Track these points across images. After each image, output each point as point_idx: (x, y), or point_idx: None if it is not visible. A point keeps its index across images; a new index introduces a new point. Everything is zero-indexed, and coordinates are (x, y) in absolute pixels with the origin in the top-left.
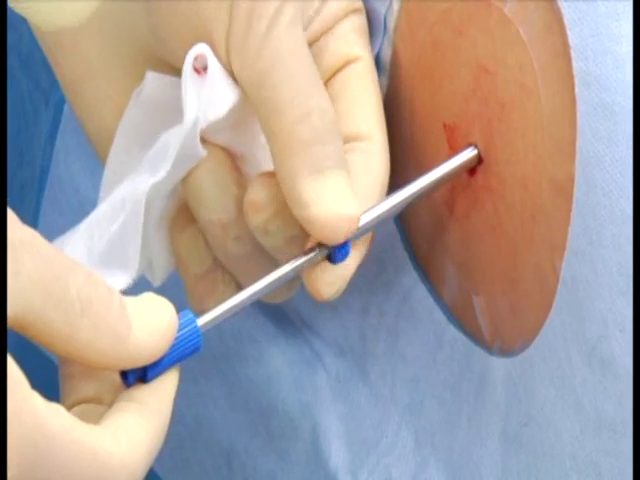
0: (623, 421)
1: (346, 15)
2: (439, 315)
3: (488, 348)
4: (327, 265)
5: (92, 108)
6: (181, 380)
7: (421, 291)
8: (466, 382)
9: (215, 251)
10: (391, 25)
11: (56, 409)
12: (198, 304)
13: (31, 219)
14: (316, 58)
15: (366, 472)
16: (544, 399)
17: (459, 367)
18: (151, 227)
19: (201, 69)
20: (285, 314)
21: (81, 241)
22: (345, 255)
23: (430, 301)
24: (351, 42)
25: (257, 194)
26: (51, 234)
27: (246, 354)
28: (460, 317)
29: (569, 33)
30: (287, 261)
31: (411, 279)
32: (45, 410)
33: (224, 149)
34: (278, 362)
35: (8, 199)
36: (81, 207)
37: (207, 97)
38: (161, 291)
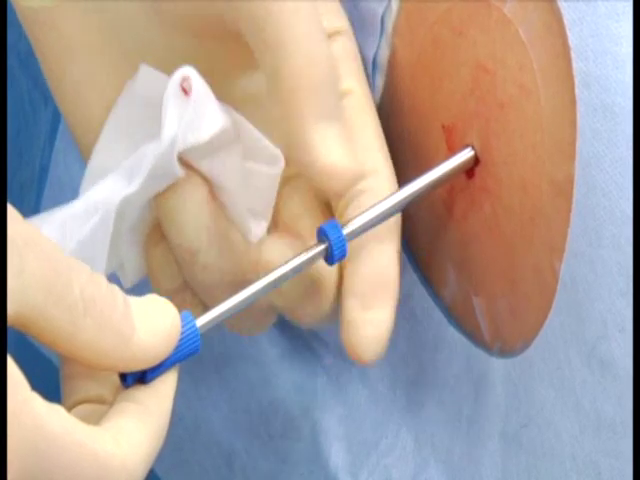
0: (623, 422)
1: (332, 36)
2: (439, 316)
3: (488, 349)
4: (364, 330)
5: (73, 95)
6: (181, 382)
7: (421, 292)
8: (466, 383)
9: (184, 274)
10: (389, 25)
11: (56, 410)
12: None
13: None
14: None
15: (366, 473)
16: (544, 400)
17: (459, 368)
18: (125, 230)
19: (188, 90)
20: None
21: (55, 231)
22: (342, 254)
23: (430, 302)
24: (342, 73)
25: (272, 254)
26: None
27: (246, 355)
28: (460, 318)
29: (569, 33)
30: (286, 262)
31: (410, 280)
32: (45, 411)
33: (202, 177)
34: (278, 363)
35: (8, 199)
36: None
37: (190, 119)
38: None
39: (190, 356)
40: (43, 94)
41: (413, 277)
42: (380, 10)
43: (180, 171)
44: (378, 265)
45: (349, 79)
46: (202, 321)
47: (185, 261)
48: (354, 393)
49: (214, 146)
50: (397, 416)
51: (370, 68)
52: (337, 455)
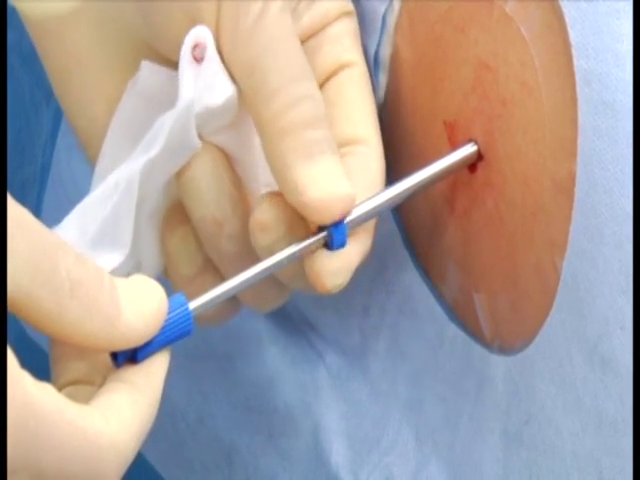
0: (624, 419)
1: (339, 17)
2: (440, 313)
3: (488, 346)
4: (329, 254)
5: (81, 101)
6: (183, 379)
7: (422, 289)
8: (467, 380)
9: (207, 249)
10: (391, 24)
11: (46, 389)
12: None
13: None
14: (310, 58)
15: (367, 470)
16: (545, 397)
17: (460, 365)
18: (142, 226)
19: (199, 58)
20: (286, 313)
21: (73, 224)
22: (342, 242)
23: (431, 299)
24: (346, 46)
25: (265, 214)
26: None
27: (248, 353)
28: (461, 315)
29: (570, 31)
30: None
31: (412, 277)
32: (35, 390)
33: (220, 149)
34: (279, 361)
35: (9, 197)
36: None
37: (203, 84)
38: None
39: (181, 337)
40: (45, 93)
41: (414, 273)
42: (382, 9)
43: (198, 142)
44: None
45: (352, 52)
46: (195, 304)
47: (210, 234)
48: (355, 390)
49: (226, 116)
50: (398, 413)
51: (372, 66)
52: (338, 452)
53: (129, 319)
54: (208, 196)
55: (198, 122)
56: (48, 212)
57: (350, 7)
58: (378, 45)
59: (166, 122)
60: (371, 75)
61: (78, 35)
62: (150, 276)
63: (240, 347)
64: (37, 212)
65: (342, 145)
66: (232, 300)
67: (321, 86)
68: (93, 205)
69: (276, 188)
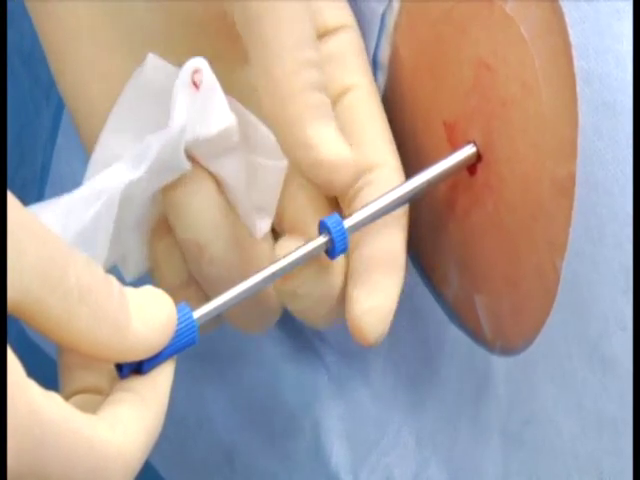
0: (624, 420)
1: (337, 29)
2: (440, 314)
3: (489, 347)
4: (367, 306)
5: (77, 79)
6: (183, 380)
7: (422, 290)
8: (467, 381)
9: (190, 268)
10: (391, 23)
11: (52, 397)
12: None
13: None
14: None
15: (367, 471)
16: (545, 398)
17: (460, 366)
18: (130, 223)
19: (198, 83)
20: (287, 314)
21: (57, 217)
22: (343, 248)
23: (431, 300)
24: (349, 67)
25: (280, 251)
26: None
27: (248, 354)
28: (462, 316)
29: (571, 32)
30: (285, 256)
31: (412, 279)
32: (41, 398)
33: (213, 175)
34: (279, 362)
35: (17, 202)
36: None
37: (199, 112)
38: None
39: (187, 347)
40: (45, 92)
41: (415, 275)
42: (380, 9)
43: (187, 164)
44: (383, 247)
45: (354, 74)
46: (199, 313)
47: (192, 255)
48: (355, 391)
49: (221, 144)
50: (398, 414)
51: (371, 66)
52: (338, 454)
53: (138, 329)
54: (191, 220)
55: (191, 147)
56: None
57: (350, 20)
58: (377, 45)
59: (154, 144)
60: None
61: (76, 13)
62: (135, 271)
63: (240, 348)
64: None
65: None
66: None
67: None
68: (75, 206)
69: (268, 215)
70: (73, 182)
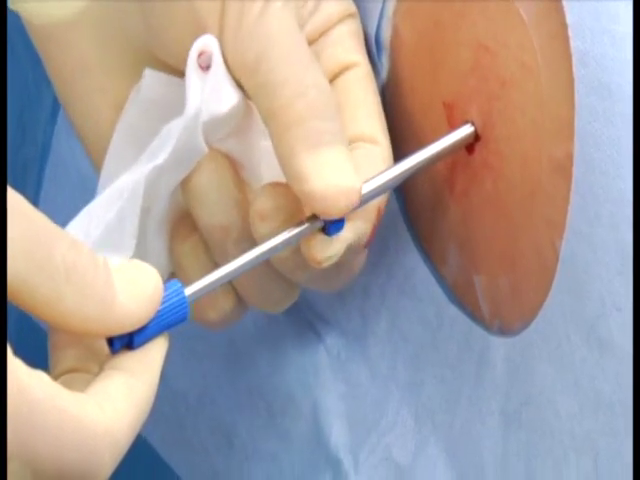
0: (620, 400)
1: (341, 20)
2: (440, 295)
3: (488, 328)
4: (324, 238)
5: (85, 107)
6: (183, 360)
7: (422, 271)
8: (466, 361)
9: (215, 256)
10: (391, 6)
11: (39, 376)
12: (199, 315)
13: (32, 198)
14: None
15: (367, 451)
16: (543, 378)
17: (459, 346)
18: (149, 234)
19: (205, 67)
20: None
21: (78, 228)
22: (340, 227)
23: (431, 281)
24: (348, 48)
25: (264, 203)
26: (52, 213)
27: (249, 334)
28: (461, 297)
29: (567, 13)
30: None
31: (412, 259)
32: (27, 377)
33: (226, 155)
34: (280, 342)
35: (9, 178)
36: (82, 186)
37: (210, 92)
38: None
39: (177, 323)
40: (46, 73)
41: (415, 254)
42: None
43: (205, 147)
44: None
45: (356, 54)
46: (191, 290)
47: (217, 241)
48: (355, 371)
49: (231, 122)
50: (397, 394)
51: (374, 48)
52: (338, 434)
53: (124, 303)
54: (213, 203)
55: (204, 129)
56: (48, 192)
57: (353, 9)
58: (378, 27)
59: (173, 129)
60: (374, 58)
61: (81, 40)
62: None
63: (241, 329)
64: (37, 193)
65: (350, 142)
66: (238, 303)
67: None
68: (98, 210)
69: (271, 182)
70: (73, 163)
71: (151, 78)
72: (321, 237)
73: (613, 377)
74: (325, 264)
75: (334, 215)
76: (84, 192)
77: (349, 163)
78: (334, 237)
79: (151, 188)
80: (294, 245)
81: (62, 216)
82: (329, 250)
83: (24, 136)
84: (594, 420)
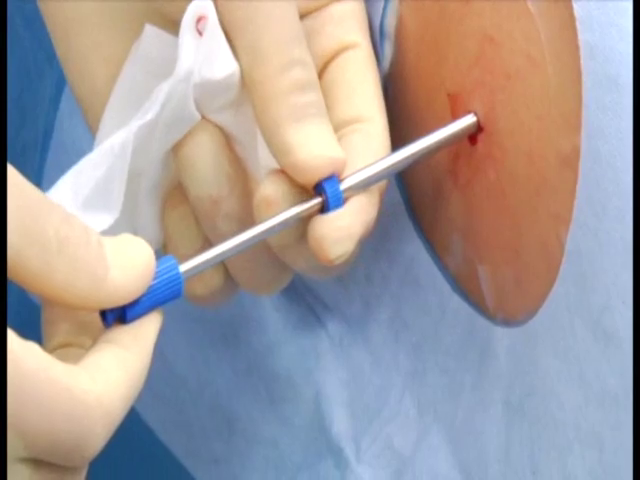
0: (625, 393)
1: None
2: (443, 284)
3: (492, 318)
4: (331, 223)
5: (81, 64)
6: (184, 344)
7: (425, 260)
8: (469, 351)
9: (204, 228)
10: None
11: (31, 348)
12: (186, 289)
13: (34, 181)
14: (312, 38)
15: (368, 439)
16: (547, 370)
17: (462, 336)
18: (141, 201)
19: (202, 31)
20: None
21: (67, 186)
22: (337, 204)
23: (434, 270)
24: (349, 28)
25: (269, 190)
26: None
27: (250, 320)
28: (464, 286)
29: (575, 5)
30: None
31: (415, 248)
32: (19, 348)
33: (220, 128)
34: (281, 328)
35: (10, 161)
36: None
37: (204, 56)
38: None
39: (171, 299)
40: (48, 55)
41: (417, 243)
42: None
43: (196, 114)
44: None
45: (356, 34)
46: (186, 266)
47: (206, 213)
48: (357, 359)
49: (226, 93)
50: (400, 383)
51: (378, 36)
52: (339, 421)
53: (116, 276)
54: (204, 174)
55: (197, 95)
56: (50, 176)
57: None
58: (383, 15)
59: (163, 89)
60: (377, 46)
61: None
62: None
63: (242, 313)
64: (39, 176)
65: (346, 124)
66: (228, 280)
67: (324, 67)
68: (87, 168)
69: (276, 168)
70: (75, 147)
71: (151, 35)
72: (333, 237)
73: (618, 370)
74: (337, 262)
75: (313, 183)
76: None
77: (331, 134)
78: (345, 234)
79: (141, 149)
80: (298, 233)
81: None
82: (341, 248)
83: (23, 120)
84: (599, 412)
